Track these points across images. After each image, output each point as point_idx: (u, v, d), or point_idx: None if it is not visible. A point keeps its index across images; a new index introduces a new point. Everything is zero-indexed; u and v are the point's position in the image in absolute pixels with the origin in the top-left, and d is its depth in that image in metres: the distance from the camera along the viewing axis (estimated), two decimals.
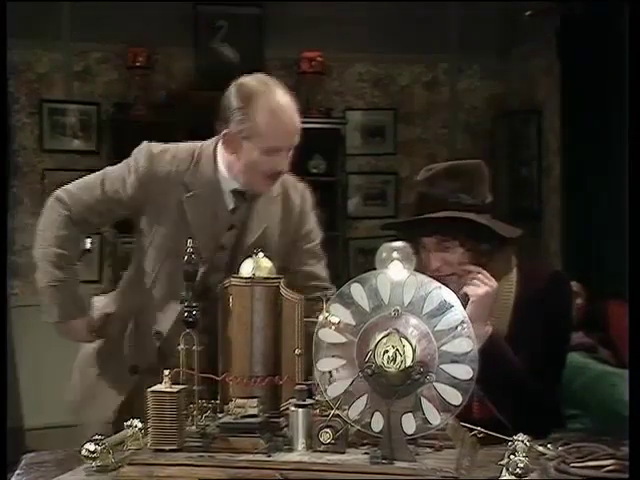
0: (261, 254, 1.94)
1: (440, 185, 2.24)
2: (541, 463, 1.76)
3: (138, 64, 5.30)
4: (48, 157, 5.40)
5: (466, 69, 6.01)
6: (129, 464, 1.72)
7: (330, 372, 1.75)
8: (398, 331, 1.69)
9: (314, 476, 1.65)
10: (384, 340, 1.69)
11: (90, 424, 2.45)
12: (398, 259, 1.79)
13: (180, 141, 2.59)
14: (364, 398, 1.73)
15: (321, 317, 1.77)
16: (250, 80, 2.43)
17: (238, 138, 2.39)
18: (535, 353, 2.20)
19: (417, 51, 5.85)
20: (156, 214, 2.49)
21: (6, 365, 4.06)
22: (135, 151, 2.52)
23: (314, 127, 4.69)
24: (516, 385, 2.16)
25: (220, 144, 2.47)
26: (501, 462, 1.68)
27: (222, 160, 2.48)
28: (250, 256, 1.94)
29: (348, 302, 1.77)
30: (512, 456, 1.66)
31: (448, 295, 1.74)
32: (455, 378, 1.70)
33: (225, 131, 2.41)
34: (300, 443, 1.76)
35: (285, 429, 1.83)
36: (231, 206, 2.50)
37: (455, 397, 1.70)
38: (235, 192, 2.49)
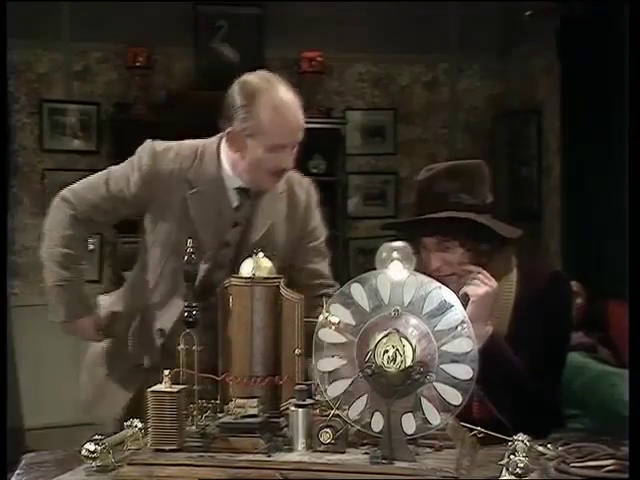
0: (261, 254, 1.94)
1: (440, 185, 2.24)
2: (541, 463, 1.76)
3: (138, 64, 5.30)
4: (48, 157, 5.40)
5: (466, 69, 6.01)
6: (129, 464, 1.72)
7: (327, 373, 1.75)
8: (398, 331, 1.69)
9: (314, 476, 1.65)
10: (384, 340, 1.68)
11: (102, 423, 2.47)
12: (398, 259, 1.79)
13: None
14: (364, 398, 1.73)
15: (321, 317, 1.78)
16: (253, 78, 2.43)
17: (242, 136, 2.39)
18: (535, 353, 2.20)
19: (417, 51, 5.85)
20: (160, 212, 2.50)
21: (6, 365, 4.05)
22: (139, 149, 2.53)
23: (314, 127, 4.68)
24: (516, 385, 2.16)
25: (224, 142, 2.47)
26: (501, 462, 1.68)
27: (226, 158, 2.48)
28: (250, 256, 1.94)
29: (348, 302, 1.77)
30: (512, 456, 1.66)
31: (448, 295, 1.74)
32: (455, 378, 1.70)
33: (229, 129, 2.42)
34: (300, 443, 1.76)
35: (285, 429, 1.83)
36: (235, 204, 2.51)
37: (455, 397, 1.70)
38: (239, 189, 2.49)
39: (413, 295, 1.74)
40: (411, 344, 1.68)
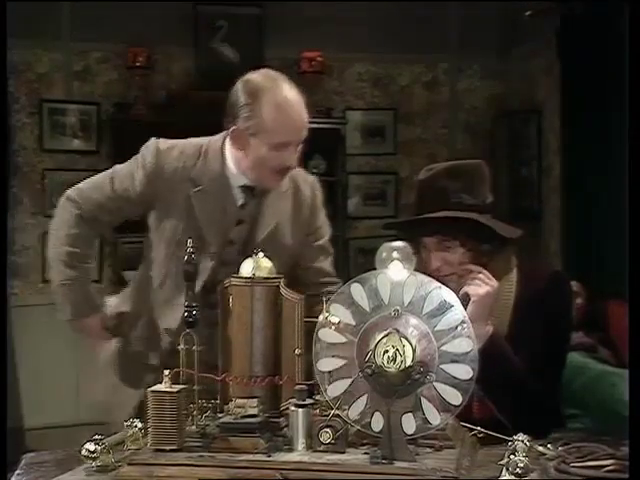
0: (261, 254, 1.94)
1: (441, 185, 2.23)
2: (541, 463, 1.76)
3: (138, 64, 5.30)
4: (48, 157, 5.40)
5: (466, 69, 6.01)
6: (129, 464, 1.72)
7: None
8: (398, 331, 1.69)
9: (314, 476, 1.65)
10: (384, 340, 1.68)
11: (117, 423, 2.49)
12: (398, 259, 1.79)
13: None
14: (364, 398, 1.73)
15: (321, 317, 1.77)
16: (257, 76, 2.43)
17: (246, 134, 2.40)
18: (535, 353, 2.20)
19: (417, 51, 5.85)
20: (165, 210, 2.50)
21: (6, 365, 4.05)
22: (143, 148, 2.54)
23: (314, 127, 4.68)
24: (516, 385, 2.16)
25: (228, 140, 2.47)
26: (501, 462, 1.68)
27: (230, 156, 2.49)
28: (250, 256, 1.94)
29: (348, 302, 1.77)
30: (512, 456, 1.66)
31: (448, 295, 1.74)
32: (455, 378, 1.70)
33: (232, 128, 2.42)
34: (300, 443, 1.76)
35: (285, 429, 1.83)
36: (240, 202, 2.51)
37: (455, 397, 1.70)
38: (244, 188, 2.50)
39: (413, 295, 1.74)
40: (411, 344, 1.68)
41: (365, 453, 1.72)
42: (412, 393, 1.70)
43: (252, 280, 1.89)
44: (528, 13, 5.12)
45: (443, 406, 1.71)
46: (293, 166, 2.46)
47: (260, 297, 1.89)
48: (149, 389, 1.79)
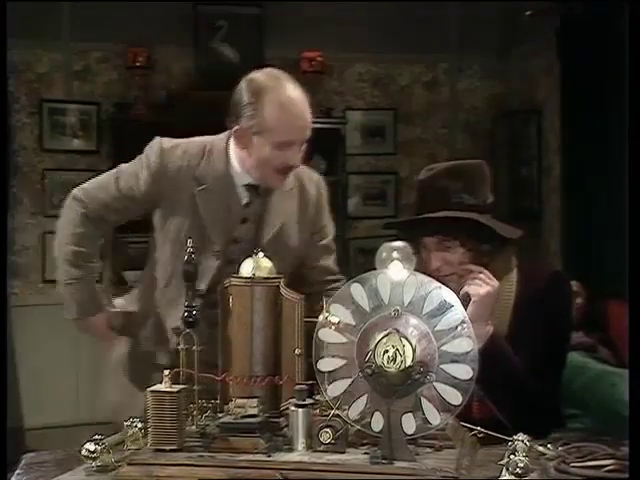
0: (261, 254, 1.94)
1: (442, 185, 2.23)
2: (541, 463, 1.76)
3: (138, 64, 5.30)
4: (48, 157, 5.40)
5: (466, 69, 6.01)
6: (129, 464, 1.72)
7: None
8: (398, 331, 1.69)
9: (314, 476, 1.65)
10: (384, 340, 1.68)
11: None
12: (398, 259, 1.79)
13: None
14: (364, 398, 1.73)
15: (321, 317, 1.77)
16: (260, 75, 2.43)
17: (249, 133, 2.40)
18: (535, 353, 2.20)
19: (417, 51, 5.85)
20: (169, 209, 2.51)
21: (6, 365, 4.05)
22: (147, 147, 2.54)
23: (314, 127, 4.69)
24: (516, 385, 2.16)
25: (232, 139, 2.48)
26: (501, 462, 1.68)
27: (234, 155, 2.49)
28: (251, 256, 1.94)
29: (348, 302, 1.77)
30: (512, 456, 1.66)
31: (448, 295, 1.74)
32: (455, 378, 1.70)
33: (236, 127, 2.42)
34: (300, 443, 1.76)
35: (285, 429, 1.83)
36: (245, 200, 2.51)
37: (455, 397, 1.70)
38: (248, 186, 2.50)
39: (413, 295, 1.74)
40: (411, 344, 1.68)
41: (365, 453, 1.72)
42: (412, 393, 1.70)
43: (252, 280, 1.89)
44: (528, 13, 5.12)
45: (443, 406, 1.71)
46: (296, 165, 2.46)
47: (260, 297, 1.89)
48: (149, 389, 1.79)
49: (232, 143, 2.49)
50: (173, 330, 2.48)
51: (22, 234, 5.32)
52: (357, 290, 1.77)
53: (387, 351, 1.68)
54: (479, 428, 1.81)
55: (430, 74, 5.98)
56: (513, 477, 1.64)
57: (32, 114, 5.37)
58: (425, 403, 1.71)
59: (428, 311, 1.72)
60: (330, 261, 2.68)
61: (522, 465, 1.64)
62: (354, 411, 1.74)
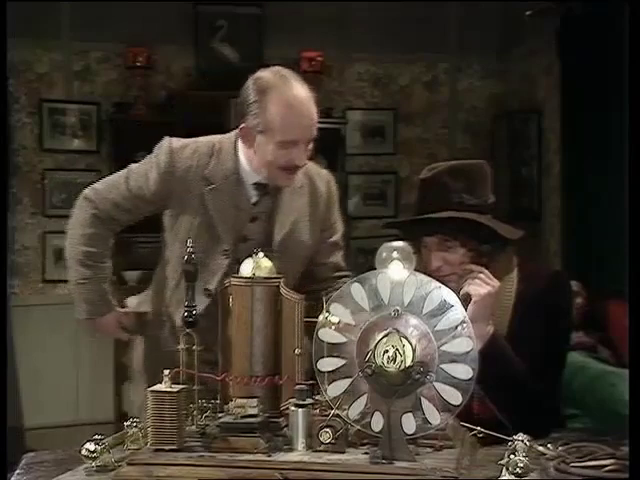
0: (261, 254, 1.94)
1: (443, 184, 2.23)
2: (541, 463, 1.76)
3: (138, 64, 5.30)
4: (48, 157, 5.40)
5: (466, 69, 6.01)
6: (129, 464, 1.72)
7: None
8: (398, 331, 1.69)
9: (314, 476, 1.65)
10: (384, 340, 1.68)
11: None
12: (398, 259, 1.79)
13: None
14: (364, 398, 1.73)
15: (321, 317, 1.77)
16: (266, 74, 2.43)
17: (254, 132, 2.40)
18: (535, 353, 2.20)
19: (417, 51, 5.85)
20: (179, 208, 2.51)
21: (6, 365, 4.05)
22: (156, 147, 2.55)
23: None
24: (517, 385, 2.15)
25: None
26: (501, 462, 1.67)
27: (243, 154, 2.49)
28: (251, 255, 1.94)
29: (348, 302, 1.77)
30: (512, 456, 1.66)
31: (448, 295, 1.74)
32: (455, 378, 1.70)
33: (242, 125, 2.42)
34: (300, 443, 1.76)
35: (285, 429, 1.83)
36: (254, 199, 2.52)
37: (455, 397, 1.70)
38: (257, 185, 2.50)
39: (413, 295, 1.74)
40: (411, 344, 1.68)
41: (365, 453, 1.72)
42: (412, 393, 1.70)
43: (252, 280, 1.89)
44: (528, 13, 5.12)
45: (443, 406, 1.70)
46: (301, 164, 2.46)
47: (260, 297, 1.89)
48: (149, 389, 1.79)
49: (240, 141, 2.49)
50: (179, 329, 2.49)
51: (22, 234, 5.32)
52: (357, 290, 1.77)
53: (387, 351, 1.68)
54: (479, 428, 1.81)
55: (430, 74, 5.98)
56: (513, 477, 1.64)
57: (32, 114, 5.38)
58: (425, 403, 1.71)
59: (428, 311, 1.72)
60: (339, 257, 2.68)
61: (522, 465, 1.64)
62: (354, 411, 1.74)
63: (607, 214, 4.59)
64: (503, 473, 1.66)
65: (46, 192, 5.34)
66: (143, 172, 2.52)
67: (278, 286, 1.90)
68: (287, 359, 1.88)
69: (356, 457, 1.71)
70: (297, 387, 1.80)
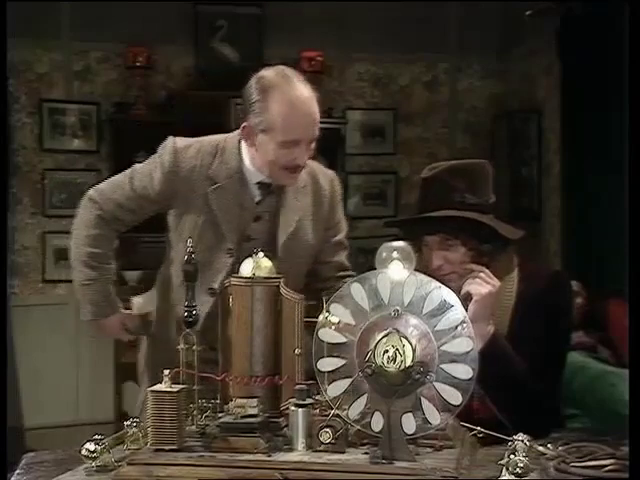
0: (261, 254, 1.94)
1: (444, 183, 2.23)
2: (541, 463, 1.76)
3: (138, 64, 5.30)
4: (48, 157, 5.41)
5: (466, 69, 6.01)
6: (129, 464, 1.72)
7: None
8: (398, 331, 1.69)
9: (314, 476, 1.65)
10: (384, 340, 1.68)
11: None
12: (398, 259, 1.79)
13: None
14: (364, 398, 1.73)
15: (321, 317, 1.77)
16: (269, 73, 2.43)
17: (256, 131, 2.40)
18: (535, 353, 2.20)
19: (417, 51, 5.85)
20: (184, 208, 2.52)
21: (6, 365, 4.05)
22: (160, 147, 2.55)
23: None
24: (517, 385, 2.15)
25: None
26: (501, 462, 1.67)
27: (246, 153, 2.50)
28: (251, 255, 1.94)
29: (348, 302, 1.77)
30: (512, 456, 1.66)
31: (448, 295, 1.74)
32: (455, 378, 1.70)
33: (244, 124, 2.43)
34: (300, 443, 1.76)
35: (285, 429, 1.82)
36: (257, 198, 2.52)
37: (455, 397, 1.70)
38: (261, 184, 2.50)
39: (413, 295, 1.74)
40: (411, 344, 1.68)
41: (365, 453, 1.71)
42: (412, 393, 1.70)
43: (252, 280, 1.89)
44: (528, 13, 5.12)
45: (443, 406, 1.70)
46: (303, 164, 2.46)
47: (260, 297, 1.89)
48: (148, 389, 1.79)
49: (243, 141, 2.49)
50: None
51: (22, 234, 5.33)
52: (357, 290, 1.77)
53: (387, 351, 1.68)
54: (479, 428, 1.81)
55: (430, 74, 5.98)
56: (513, 477, 1.64)
57: (32, 114, 5.38)
58: (425, 403, 1.71)
59: (428, 311, 1.72)
60: (343, 257, 2.69)
61: (522, 465, 1.64)
62: (354, 411, 1.74)
63: (607, 214, 4.59)
64: (503, 473, 1.66)
65: (46, 192, 5.34)
66: (147, 172, 2.52)
67: (278, 286, 1.90)
68: (287, 359, 1.88)
69: (356, 457, 1.70)
70: (297, 387, 1.80)
